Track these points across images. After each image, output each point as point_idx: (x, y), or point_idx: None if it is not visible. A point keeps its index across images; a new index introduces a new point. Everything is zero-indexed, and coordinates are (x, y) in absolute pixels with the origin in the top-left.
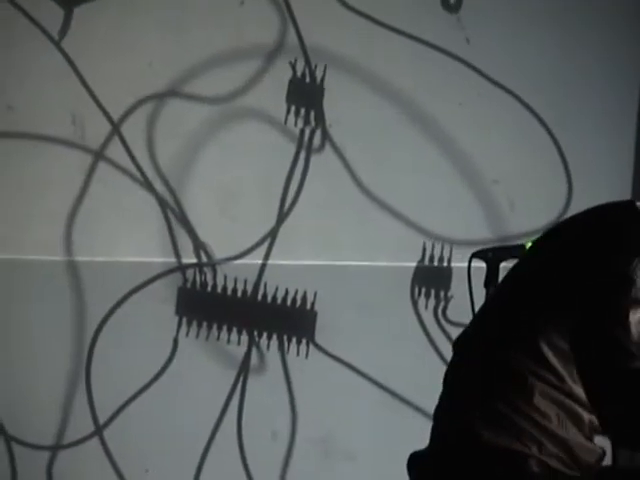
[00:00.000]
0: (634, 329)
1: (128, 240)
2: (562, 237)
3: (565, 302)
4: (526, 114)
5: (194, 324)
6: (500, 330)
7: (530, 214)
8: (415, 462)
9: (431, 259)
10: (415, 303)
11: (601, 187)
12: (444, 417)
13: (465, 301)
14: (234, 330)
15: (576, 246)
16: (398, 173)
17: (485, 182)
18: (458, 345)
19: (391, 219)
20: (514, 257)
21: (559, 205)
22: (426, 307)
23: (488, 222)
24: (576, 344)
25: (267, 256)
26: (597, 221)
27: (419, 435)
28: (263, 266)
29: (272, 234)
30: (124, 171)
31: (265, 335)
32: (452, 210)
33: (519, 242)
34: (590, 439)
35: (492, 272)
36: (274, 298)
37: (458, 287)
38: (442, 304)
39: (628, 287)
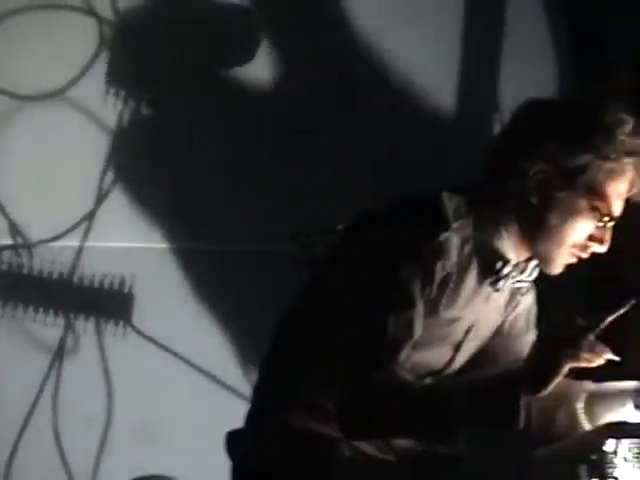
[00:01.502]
0: (392, 331)
1: None
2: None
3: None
4: None
5: (8, 307)
6: (312, 317)
7: None
8: (234, 442)
9: None
10: None
11: None
12: (258, 400)
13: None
14: (50, 313)
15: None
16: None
17: None
18: (275, 330)
19: (211, 202)
20: (325, 241)
21: None
22: None
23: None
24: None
25: (84, 238)
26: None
27: (237, 417)
28: (80, 248)
29: (90, 216)
30: None
31: (82, 318)
32: None
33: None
34: None
35: (307, 258)
36: (91, 281)
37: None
38: None
39: (389, 288)
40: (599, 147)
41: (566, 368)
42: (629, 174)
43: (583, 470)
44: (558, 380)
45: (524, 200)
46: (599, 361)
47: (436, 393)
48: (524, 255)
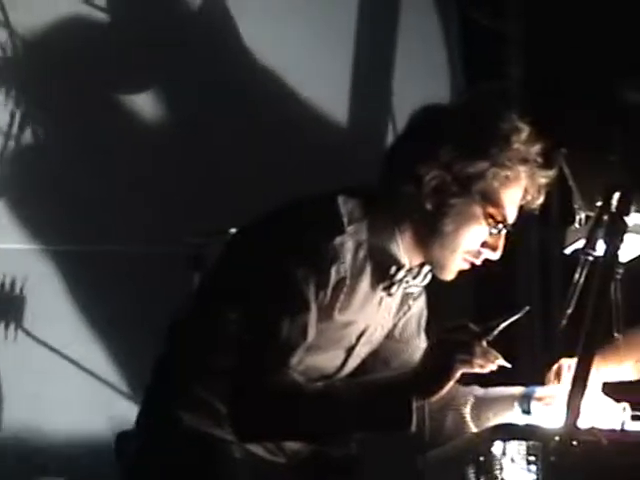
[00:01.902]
0: (286, 334)
1: None
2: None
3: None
4: None
5: None
6: (205, 318)
7: None
8: (123, 443)
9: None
10: None
11: None
12: (151, 400)
13: None
14: None
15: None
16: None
17: None
18: (169, 331)
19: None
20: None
21: None
22: None
23: None
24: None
25: None
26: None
27: (128, 419)
28: None
29: None
30: None
31: None
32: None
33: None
34: None
35: (198, 258)
36: None
37: None
38: None
39: (283, 291)
40: (495, 155)
41: (459, 373)
42: (523, 182)
43: (471, 471)
44: (450, 385)
45: (419, 205)
46: (491, 367)
47: (328, 396)
48: (417, 260)
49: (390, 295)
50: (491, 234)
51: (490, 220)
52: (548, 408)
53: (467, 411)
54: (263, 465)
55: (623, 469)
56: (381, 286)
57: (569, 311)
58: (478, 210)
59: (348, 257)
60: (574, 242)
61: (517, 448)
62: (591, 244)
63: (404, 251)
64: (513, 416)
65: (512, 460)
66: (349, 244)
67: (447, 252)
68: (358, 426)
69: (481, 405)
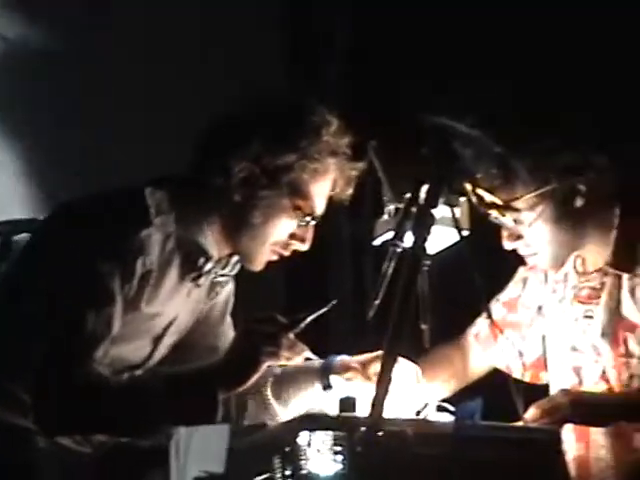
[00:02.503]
0: (90, 328)
1: None
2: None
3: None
4: None
5: None
6: (8, 309)
7: None
8: None
9: None
10: None
11: None
12: None
13: None
14: None
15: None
16: None
17: None
18: None
19: None
20: (26, 231)
21: None
22: None
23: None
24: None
25: None
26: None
27: None
28: None
29: None
30: None
31: None
32: None
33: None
34: None
35: (5, 246)
36: None
37: None
38: None
39: (88, 284)
40: (304, 147)
41: (265, 365)
42: (332, 174)
43: (277, 461)
44: (257, 376)
45: (228, 197)
46: (298, 359)
47: (134, 389)
48: (227, 251)
49: (199, 285)
50: (300, 226)
51: (298, 212)
52: (349, 383)
53: (268, 392)
54: (69, 455)
55: (427, 459)
56: (189, 277)
57: (377, 302)
58: (286, 202)
59: (155, 249)
60: (383, 233)
61: (323, 438)
62: (399, 235)
63: (213, 242)
64: (315, 392)
65: (318, 451)
66: (156, 236)
67: (256, 244)
68: (164, 418)
69: (281, 383)
